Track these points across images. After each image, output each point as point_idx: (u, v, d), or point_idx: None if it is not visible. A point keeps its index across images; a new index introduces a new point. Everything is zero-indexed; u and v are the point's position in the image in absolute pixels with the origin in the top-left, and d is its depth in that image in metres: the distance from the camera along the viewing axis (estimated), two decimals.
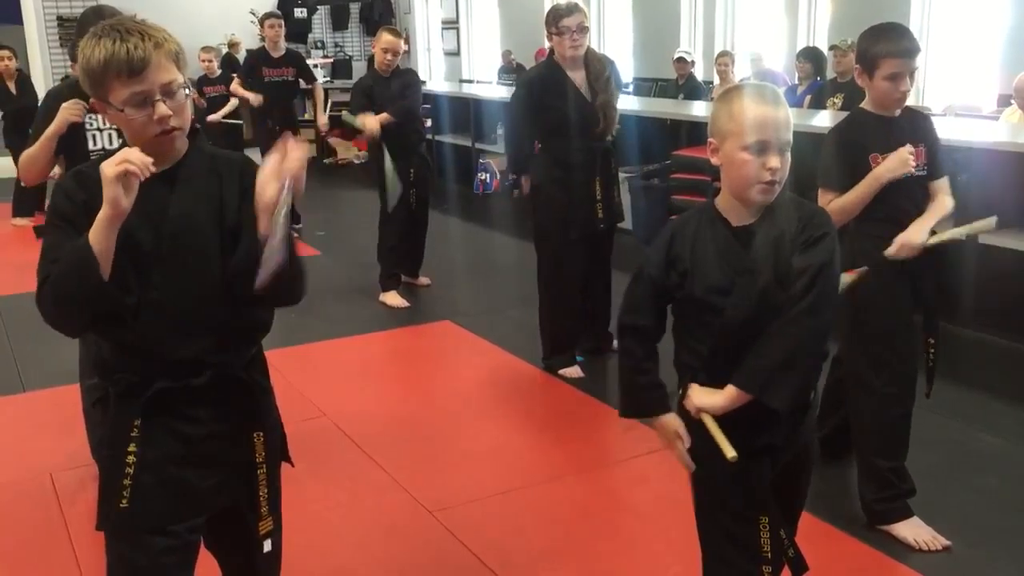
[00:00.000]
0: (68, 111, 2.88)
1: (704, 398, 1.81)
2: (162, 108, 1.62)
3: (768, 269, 1.78)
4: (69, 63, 4.91)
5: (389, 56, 5.19)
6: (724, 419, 1.81)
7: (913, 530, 2.73)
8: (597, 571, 2.68)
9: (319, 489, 3.13)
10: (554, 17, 3.99)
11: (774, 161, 1.74)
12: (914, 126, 2.73)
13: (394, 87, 5.26)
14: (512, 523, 2.95)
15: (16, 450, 3.55)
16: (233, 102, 7.72)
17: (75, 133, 2.92)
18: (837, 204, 2.62)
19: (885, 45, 2.60)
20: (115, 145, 2.89)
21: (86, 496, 3.15)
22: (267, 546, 1.89)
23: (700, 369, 1.84)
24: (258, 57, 7.19)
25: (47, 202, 1.74)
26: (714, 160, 1.83)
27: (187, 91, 1.69)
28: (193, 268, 1.69)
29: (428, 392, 4.15)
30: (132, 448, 1.70)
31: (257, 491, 1.84)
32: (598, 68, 4.04)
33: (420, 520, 2.96)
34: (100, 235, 1.57)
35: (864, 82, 2.68)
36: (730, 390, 1.78)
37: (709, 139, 1.83)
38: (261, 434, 1.82)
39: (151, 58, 1.61)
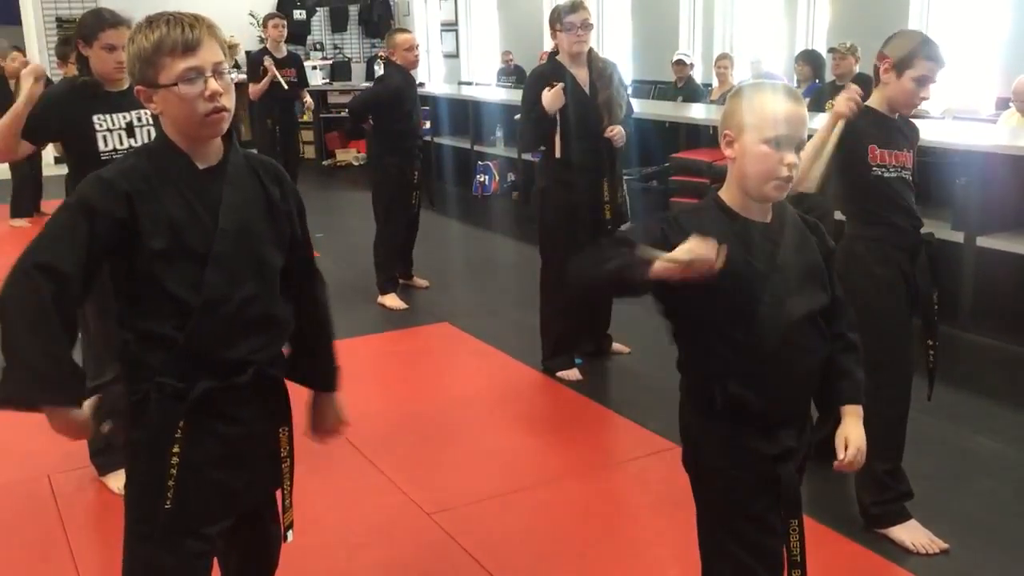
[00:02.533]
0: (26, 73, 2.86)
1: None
2: (213, 83, 1.64)
3: (802, 268, 1.80)
4: (57, 63, 4.89)
5: (416, 51, 5.29)
6: (745, 423, 1.80)
7: (910, 533, 2.74)
8: (596, 573, 2.68)
9: (317, 491, 3.12)
10: (558, 14, 4.01)
11: (792, 157, 1.73)
12: (907, 129, 2.81)
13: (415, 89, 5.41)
14: (510, 525, 2.95)
15: (14, 451, 3.55)
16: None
17: (84, 135, 2.87)
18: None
19: (925, 48, 2.64)
20: (125, 146, 2.88)
21: (84, 498, 3.16)
22: (290, 536, 1.93)
23: (731, 375, 1.78)
24: (261, 58, 7.20)
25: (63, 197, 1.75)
26: (728, 152, 1.79)
27: (232, 77, 1.72)
28: (248, 266, 1.71)
29: (426, 394, 4.15)
30: (176, 449, 1.70)
31: (282, 484, 1.87)
32: (600, 66, 4.05)
33: (418, 522, 2.96)
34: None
35: (889, 77, 2.68)
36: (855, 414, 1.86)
37: (724, 131, 1.80)
38: (286, 428, 1.86)
39: (204, 38, 1.66)
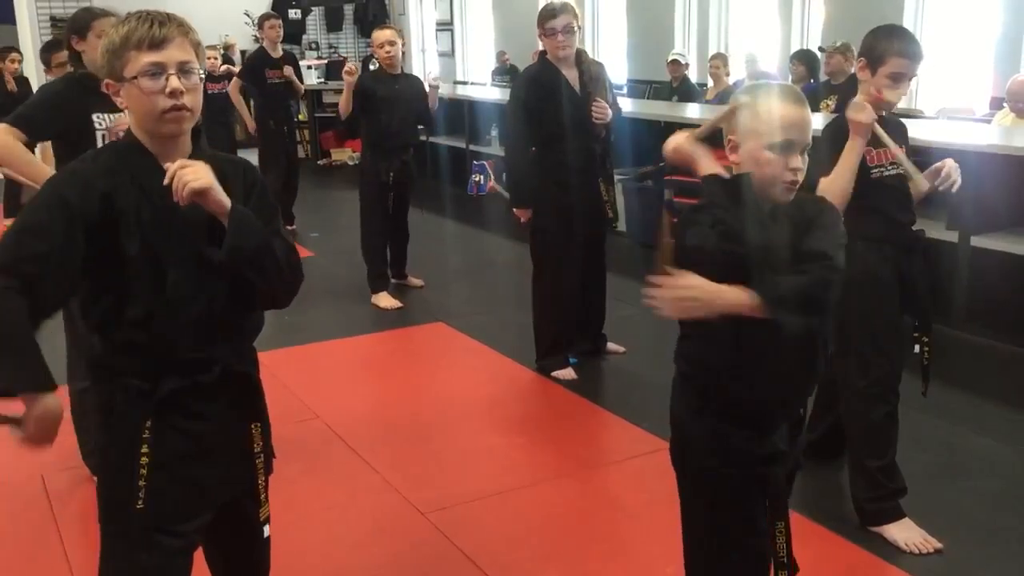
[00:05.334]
0: None
1: (704, 307, 1.65)
2: (175, 81, 1.64)
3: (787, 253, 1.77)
4: (44, 68, 4.87)
5: (387, 48, 5.20)
6: (734, 422, 1.79)
7: (904, 532, 2.74)
8: (590, 572, 2.68)
9: (312, 490, 3.12)
10: (542, 18, 4.01)
11: (797, 161, 1.74)
12: (894, 128, 2.79)
13: (402, 88, 5.28)
14: (505, 524, 2.95)
15: (7, 451, 3.53)
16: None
17: (84, 133, 2.86)
18: (827, 181, 2.58)
19: (896, 44, 2.62)
20: None
21: (77, 497, 3.15)
22: (266, 531, 1.92)
23: (729, 370, 1.78)
24: (259, 59, 7.22)
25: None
26: (732, 158, 1.80)
27: (202, 77, 1.71)
28: (203, 267, 1.70)
29: (421, 394, 4.15)
30: (144, 449, 1.71)
31: (256, 479, 1.86)
32: (591, 69, 4.05)
33: (412, 521, 2.96)
34: None
35: (865, 76, 2.68)
36: (739, 292, 1.64)
37: (728, 136, 1.82)
38: (258, 424, 1.85)
39: (173, 36, 1.66)
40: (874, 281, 2.70)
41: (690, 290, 1.64)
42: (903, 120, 2.97)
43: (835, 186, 2.57)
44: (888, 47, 2.62)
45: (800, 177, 1.75)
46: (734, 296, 1.64)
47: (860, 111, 2.59)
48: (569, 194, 4.05)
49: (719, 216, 1.72)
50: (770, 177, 1.75)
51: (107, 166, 1.69)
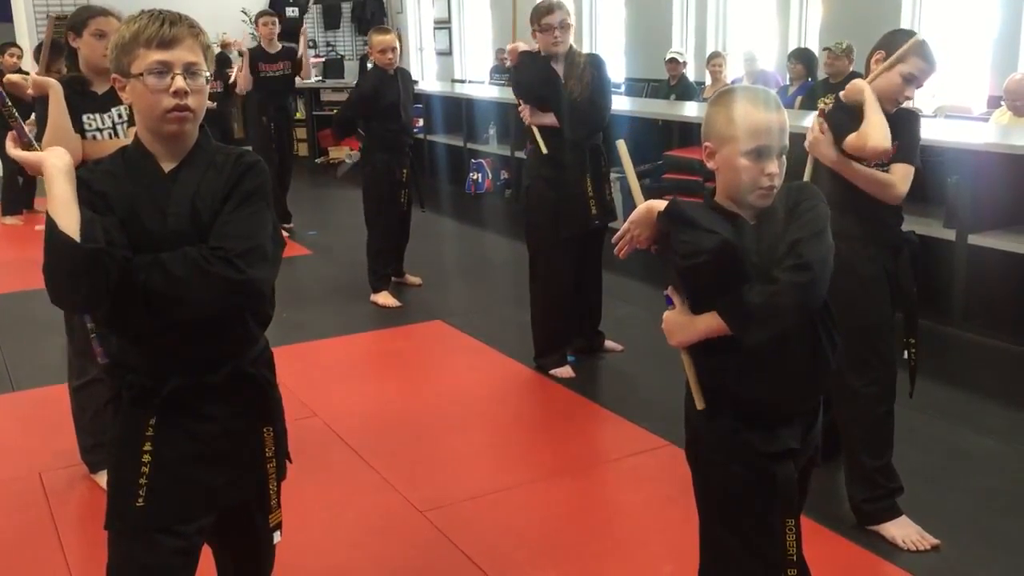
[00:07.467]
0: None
1: (679, 333, 1.82)
2: (180, 81, 1.66)
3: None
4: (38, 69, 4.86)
5: (390, 55, 5.30)
6: (743, 419, 1.80)
7: (902, 530, 2.74)
8: (588, 571, 2.68)
9: (310, 489, 3.12)
10: (537, 14, 4.02)
11: (772, 167, 1.74)
12: (894, 122, 2.75)
13: (404, 86, 5.40)
14: (503, 523, 2.95)
15: (5, 449, 3.54)
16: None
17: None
18: (861, 133, 2.58)
19: (922, 48, 2.65)
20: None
21: (75, 496, 3.15)
22: (277, 536, 1.93)
23: (729, 369, 1.80)
24: (255, 54, 7.26)
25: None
26: (710, 164, 1.81)
27: (208, 79, 1.72)
28: None
29: (419, 392, 4.15)
30: (147, 447, 1.72)
31: (267, 484, 1.87)
32: (577, 68, 4.04)
33: (411, 520, 2.96)
34: (53, 194, 1.59)
35: (879, 69, 2.69)
36: (709, 318, 1.77)
37: (705, 143, 1.82)
38: (271, 428, 1.85)
39: (183, 37, 1.68)
40: (862, 282, 2.70)
41: (667, 324, 1.85)
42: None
43: (876, 132, 2.55)
44: (913, 47, 2.65)
45: (777, 182, 1.75)
46: (705, 324, 1.78)
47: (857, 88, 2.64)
48: (558, 191, 4.07)
49: (680, 238, 1.76)
50: (746, 183, 1.75)
51: (107, 170, 1.71)
